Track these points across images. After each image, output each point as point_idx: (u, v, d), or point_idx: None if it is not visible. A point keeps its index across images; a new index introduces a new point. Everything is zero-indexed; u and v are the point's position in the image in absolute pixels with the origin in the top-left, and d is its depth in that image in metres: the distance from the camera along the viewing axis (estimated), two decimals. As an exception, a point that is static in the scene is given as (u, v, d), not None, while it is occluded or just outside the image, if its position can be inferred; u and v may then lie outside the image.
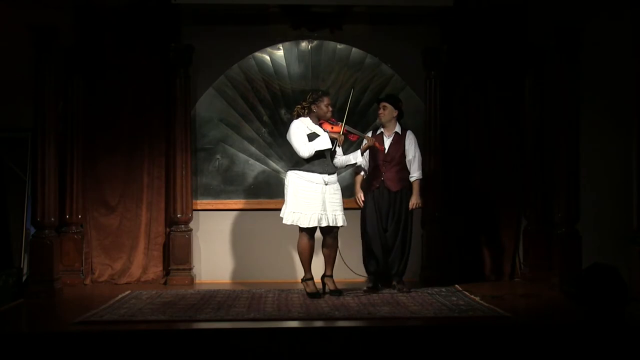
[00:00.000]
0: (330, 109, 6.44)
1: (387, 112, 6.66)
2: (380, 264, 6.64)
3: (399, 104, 6.71)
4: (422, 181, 6.72)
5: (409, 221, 6.64)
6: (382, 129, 6.71)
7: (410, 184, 6.64)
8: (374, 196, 6.62)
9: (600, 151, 7.11)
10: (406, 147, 6.63)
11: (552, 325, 5.32)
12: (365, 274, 6.83)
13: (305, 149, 6.29)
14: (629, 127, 6.59)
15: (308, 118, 6.42)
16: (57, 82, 6.63)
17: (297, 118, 6.45)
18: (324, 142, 6.30)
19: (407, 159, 6.63)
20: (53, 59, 6.54)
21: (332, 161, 6.43)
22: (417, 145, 6.67)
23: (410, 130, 6.73)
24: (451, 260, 7.30)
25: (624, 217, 6.65)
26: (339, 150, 6.53)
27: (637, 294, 6.03)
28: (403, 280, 6.68)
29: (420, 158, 6.69)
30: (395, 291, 6.57)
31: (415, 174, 6.63)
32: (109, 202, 7.33)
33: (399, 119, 6.71)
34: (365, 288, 6.63)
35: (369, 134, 6.76)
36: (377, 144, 6.58)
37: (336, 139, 6.38)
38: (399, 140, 6.63)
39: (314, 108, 6.39)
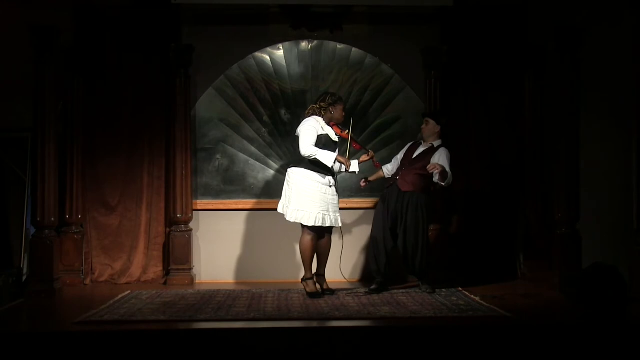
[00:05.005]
0: (344, 114, 6.49)
1: (429, 127, 6.66)
2: (382, 268, 6.62)
3: (442, 120, 6.68)
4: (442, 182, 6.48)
5: (420, 222, 6.55)
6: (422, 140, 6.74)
7: (421, 190, 6.54)
8: (385, 196, 6.62)
9: (600, 151, 7.11)
10: (433, 157, 6.50)
11: (552, 325, 5.31)
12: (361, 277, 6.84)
13: (308, 150, 6.28)
14: (629, 127, 6.59)
15: (322, 118, 6.44)
16: (57, 82, 6.63)
17: (310, 116, 6.46)
18: (328, 158, 6.29)
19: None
20: (53, 59, 6.54)
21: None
22: (446, 159, 6.45)
23: (445, 147, 6.59)
24: (451, 260, 7.30)
25: (624, 217, 6.64)
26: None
27: (637, 294, 6.03)
28: (427, 280, 6.63)
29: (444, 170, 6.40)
30: (422, 291, 6.54)
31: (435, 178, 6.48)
32: (109, 202, 7.33)
33: (443, 133, 6.66)
34: (367, 289, 6.57)
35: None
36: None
37: (345, 139, 6.41)
38: (430, 152, 6.59)
39: (331, 110, 6.42)
